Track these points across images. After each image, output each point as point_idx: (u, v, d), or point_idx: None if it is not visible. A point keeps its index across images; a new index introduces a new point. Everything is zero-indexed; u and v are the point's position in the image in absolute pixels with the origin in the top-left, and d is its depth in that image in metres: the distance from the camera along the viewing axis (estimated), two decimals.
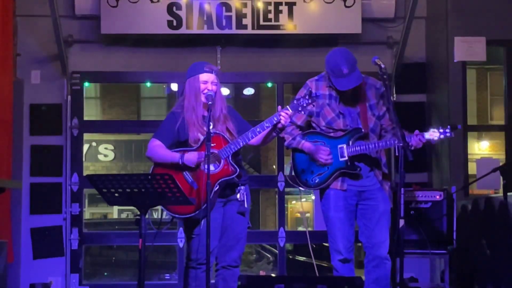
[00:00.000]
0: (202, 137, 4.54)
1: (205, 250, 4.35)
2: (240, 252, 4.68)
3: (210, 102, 4.48)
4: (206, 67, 4.63)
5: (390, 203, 4.76)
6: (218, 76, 4.67)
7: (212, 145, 4.40)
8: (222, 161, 4.50)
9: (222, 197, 4.57)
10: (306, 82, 4.84)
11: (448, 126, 4.64)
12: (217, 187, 4.49)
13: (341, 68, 4.58)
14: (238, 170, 4.51)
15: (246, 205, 4.62)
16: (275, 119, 4.43)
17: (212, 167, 4.45)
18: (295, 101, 4.46)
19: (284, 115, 4.42)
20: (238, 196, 4.60)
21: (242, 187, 4.62)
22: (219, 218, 4.58)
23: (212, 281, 4.81)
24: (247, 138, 4.49)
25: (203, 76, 4.61)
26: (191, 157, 4.49)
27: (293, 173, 4.83)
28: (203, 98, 4.59)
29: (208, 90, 4.58)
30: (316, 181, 4.75)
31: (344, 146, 4.70)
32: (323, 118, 4.75)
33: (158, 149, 4.58)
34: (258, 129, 4.48)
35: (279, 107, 4.47)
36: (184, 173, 4.53)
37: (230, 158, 4.50)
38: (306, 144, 4.74)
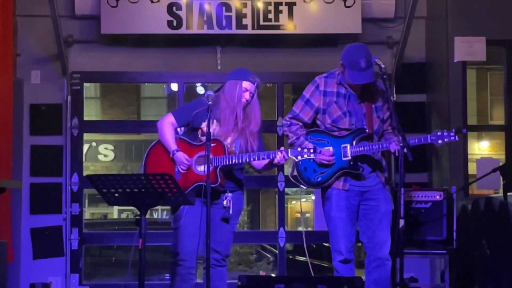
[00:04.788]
0: (215, 137, 4.64)
1: (185, 248, 4.64)
2: (223, 255, 4.75)
3: (210, 102, 4.52)
4: (252, 77, 4.77)
5: (392, 204, 4.77)
6: (257, 89, 4.80)
7: (212, 145, 4.47)
8: (211, 167, 4.52)
9: (200, 197, 4.55)
10: (315, 78, 4.86)
11: (453, 130, 4.64)
12: (195, 186, 4.60)
13: (360, 62, 4.59)
14: (219, 181, 4.58)
15: (231, 212, 4.67)
16: (272, 155, 4.57)
17: (201, 168, 4.57)
18: (298, 149, 4.52)
19: (280, 155, 4.55)
20: (224, 202, 4.66)
21: (230, 194, 4.67)
22: (198, 215, 4.57)
23: (200, 280, 4.84)
24: (241, 159, 4.60)
25: (246, 84, 4.75)
26: (182, 158, 4.64)
27: (295, 172, 4.84)
28: (243, 100, 4.72)
29: (246, 99, 4.73)
30: (318, 180, 4.75)
31: (348, 145, 4.70)
32: (329, 116, 4.76)
33: (167, 127, 4.75)
34: (253, 157, 4.62)
35: (282, 147, 4.61)
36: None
37: (219, 168, 4.57)
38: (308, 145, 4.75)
